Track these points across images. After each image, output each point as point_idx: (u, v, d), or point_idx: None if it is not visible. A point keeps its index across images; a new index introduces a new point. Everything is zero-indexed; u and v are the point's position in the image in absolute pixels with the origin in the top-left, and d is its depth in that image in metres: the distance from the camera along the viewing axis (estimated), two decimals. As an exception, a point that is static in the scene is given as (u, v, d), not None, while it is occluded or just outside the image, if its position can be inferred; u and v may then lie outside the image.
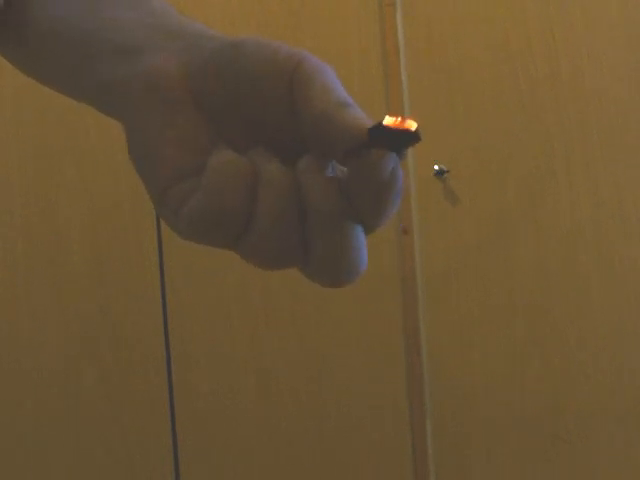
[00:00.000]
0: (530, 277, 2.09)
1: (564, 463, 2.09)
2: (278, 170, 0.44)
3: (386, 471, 2.12)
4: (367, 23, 2.13)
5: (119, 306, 2.13)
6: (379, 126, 0.42)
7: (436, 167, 2.10)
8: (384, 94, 2.12)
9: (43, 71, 0.54)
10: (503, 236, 2.10)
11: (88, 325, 2.13)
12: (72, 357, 2.13)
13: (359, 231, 0.45)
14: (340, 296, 2.12)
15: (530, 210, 2.09)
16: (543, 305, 2.09)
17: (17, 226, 2.14)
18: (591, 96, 2.08)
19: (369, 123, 0.43)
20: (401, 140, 0.42)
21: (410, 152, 2.11)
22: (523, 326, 2.09)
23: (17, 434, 2.13)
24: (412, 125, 0.42)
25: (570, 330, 2.08)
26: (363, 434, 2.12)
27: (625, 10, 2.08)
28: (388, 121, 0.42)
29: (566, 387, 2.08)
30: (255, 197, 0.44)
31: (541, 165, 2.09)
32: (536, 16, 2.09)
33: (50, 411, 2.13)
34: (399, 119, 0.42)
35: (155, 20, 0.50)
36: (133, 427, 2.13)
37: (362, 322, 2.12)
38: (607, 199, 2.08)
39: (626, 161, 2.08)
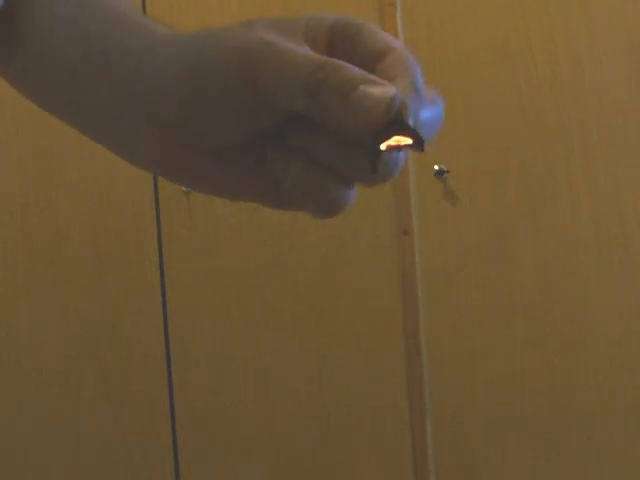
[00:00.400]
0: (530, 277, 2.09)
1: (564, 463, 2.09)
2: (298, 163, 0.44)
3: (386, 471, 2.12)
4: (367, 23, 2.12)
5: (119, 306, 2.13)
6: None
7: (436, 167, 2.10)
8: (384, 94, 2.12)
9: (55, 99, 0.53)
10: (503, 236, 2.10)
11: (88, 325, 2.13)
12: (72, 357, 2.13)
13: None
14: (340, 296, 2.12)
15: (530, 210, 2.09)
16: (543, 305, 2.08)
17: (17, 226, 2.14)
18: (591, 96, 2.08)
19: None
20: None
21: (410, 152, 2.11)
22: (523, 326, 2.09)
23: (17, 434, 2.13)
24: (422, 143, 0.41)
25: (570, 330, 2.08)
26: (363, 434, 2.12)
27: (625, 10, 2.08)
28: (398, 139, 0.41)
29: (566, 387, 2.08)
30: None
31: (541, 165, 2.09)
32: (536, 16, 2.09)
33: (50, 411, 2.13)
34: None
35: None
36: (133, 427, 2.13)
37: (362, 322, 2.12)
38: (607, 199, 2.08)
39: (626, 161, 2.08)
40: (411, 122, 0.41)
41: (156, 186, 2.14)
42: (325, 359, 2.12)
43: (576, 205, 2.09)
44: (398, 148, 0.41)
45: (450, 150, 2.11)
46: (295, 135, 0.44)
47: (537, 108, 2.09)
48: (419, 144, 0.41)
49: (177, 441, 2.13)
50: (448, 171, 2.10)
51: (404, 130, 0.40)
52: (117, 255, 2.13)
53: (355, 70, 0.41)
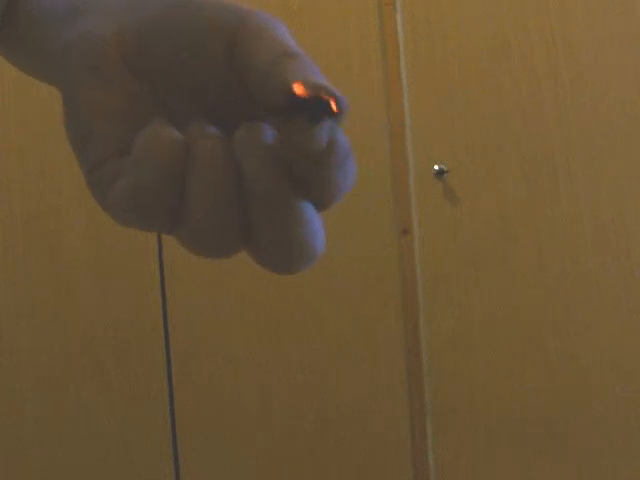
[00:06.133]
0: (530, 277, 2.09)
1: (564, 463, 2.09)
2: (212, 142, 0.39)
3: (386, 471, 2.12)
4: (367, 23, 2.13)
5: (119, 306, 2.13)
6: (292, 92, 0.37)
7: (436, 167, 2.10)
8: (384, 94, 2.12)
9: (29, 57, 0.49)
10: (503, 236, 2.10)
11: (88, 326, 2.13)
12: (72, 357, 2.13)
13: (308, 208, 0.39)
14: (340, 296, 2.12)
15: (530, 210, 2.09)
16: (543, 305, 2.09)
17: (17, 226, 2.14)
18: (591, 96, 2.08)
19: (317, 79, 0.38)
20: (317, 111, 0.37)
21: (410, 152, 2.11)
22: (523, 326, 2.09)
23: (17, 434, 2.13)
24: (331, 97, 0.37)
25: (570, 330, 2.08)
26: (363, 433, 2.12)
27: (625, 10, 2.08)
28: (299, 89, 0.37)
29: (566, 387, 2.08)
30: (188, 172, 0.38)
31: (541, 165, 2.09)
32: (536, 16, 2.09)
33: (50, 412, 2.13)
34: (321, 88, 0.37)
35: None
36: (133, 427, 2.13)
37: (362, 322, 2.12)
38: (607, 199, 2.08)
39: (626, 161, 2.08)
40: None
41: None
42: (325, 359, 2.12)
43: (576, 205, 2.09)
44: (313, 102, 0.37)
45: (450, 150, 2.11)
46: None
47: (537, 108, 2.09)
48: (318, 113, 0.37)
49: (177, 441, 2.13)
50: (448, 171, 2.10)
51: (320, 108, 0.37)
52: (117, 255, 2.13)
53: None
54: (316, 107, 0.37)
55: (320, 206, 0.40)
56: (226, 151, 0.39)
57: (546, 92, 2.09)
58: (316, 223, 0.40)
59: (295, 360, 2.13)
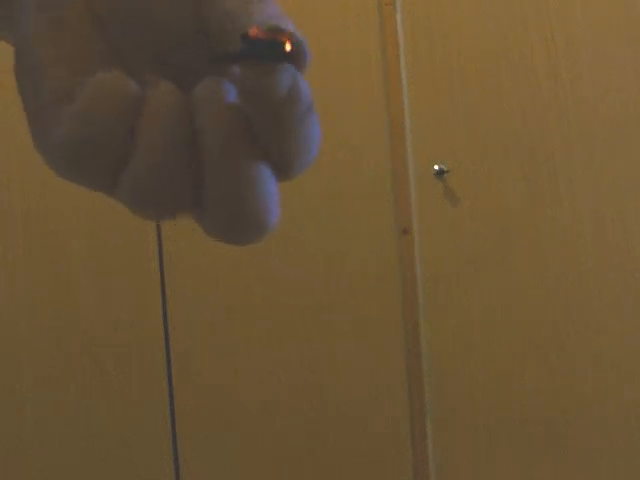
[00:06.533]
0: (530, 277, 2.09)
1: (564, 463, 2.09)
2: (166, 94, 0.36)
3: (386, 471, 2.12)
4: (367, 23, 2.13)
5: (119, 306, 2.13)
6: (247, 35, 0.36)
7: (436, 167, 2.10)
8: (384, 94, 2.12)
9: None
10: (503, 236, 2.10)
11: (88, 326, 2.13)
12: (72, 357, 2.13)
13: (266, 173, 0.36)
14: (340, 296, 2.12)
15: (530, 210, 2.09)
16: (543, 305, 2.09)
17: (17, 226, 2.14)
18: (591, 96, 2.08)
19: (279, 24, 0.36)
20: (272, 53, 0.36)
21: (410, 152, 2.11)
22: (523, 326, 2.09)
23: (16, 434, 2.13)
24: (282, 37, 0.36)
25: (570, 330, 2.08)
26: (363, 433, 2.12)
27: (625, 10, 2.08)
28: (256, 31, 0.36)
29: (566, 387, 2.08)
30: (136, 126, 0.36)
31: (541, 165, 2.09)
32: (536, 16, 2.09)
33: (50, 411, 2.13)
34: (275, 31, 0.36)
35: None
36: (133, 427, 2.13)
37: (362, 322, 2.12)
38: (607, 199, 2.08)
39: (626, 161, 2.08)
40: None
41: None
42: (325, 358, 2.12)
43: (576, 205, 2.09)
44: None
45: (450, 150, 2.11)
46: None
47: (537, 108, 2.09)
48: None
49: (177, 441, 2.13)
50: (448, 171, 2.10)
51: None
52: (117, 255, 2.13)
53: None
54: (272, 49, 0.35)
55: (279, 171, 0.37)
56: (181, 105, 0.36)
57: (546, 92, 2.09)
58: (271, 191, 0.36)
59: (295, 360, 2.13)
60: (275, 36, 0.36)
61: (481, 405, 2.10)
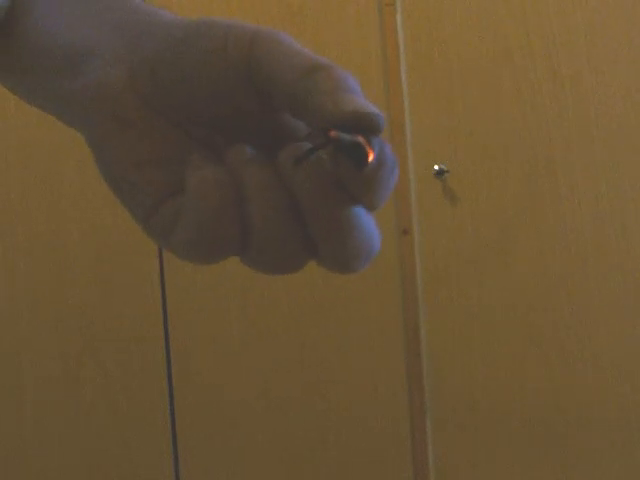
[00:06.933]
0: (530, 277, 2.09)
1: (564, 463, 2.09)
2: (257, 167, 0.40)
3: (386, 471, 2.12)
4: (367, 23, 2.13)
5: (119, 306, 2.13)
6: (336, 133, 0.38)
7: (436, 167, 2.10)
8: (384, 94, 2.12)
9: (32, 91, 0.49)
10: (503, 236, 2.10)
11: (88, 325, 2.13)
12: (72, 357, 2.13)
13: (361, 212, 0.41)
14: (340, 296, 2.12)
15: (530, 210, 2.09)
16: (543, 305, 2.09)
17: (17, 226, 2.14)
18: (591, 96, 2.08)
19: (347, 98, 0.38)
20: (354, 155, 0.39)
21: (410, 152, 2.11)
22: (523, 326, 2.09)
23: (17, 434, 2.13)
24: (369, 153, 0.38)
25: (570, 330, 2.08)
26: (363, 433, 2.12)
27: (625, 10, 2.08)
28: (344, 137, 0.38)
29: (566, 387, 2.08)
30: (245, 210, 0.39)
31: (541, 165, 2.09)
32: (536, 16, 2.10)
33: (49, 411, 2.13)
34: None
35: (111, 14, 0.44)
36: (133, 427, 2.13)
37: (362, 322, 2.12)
38: (607, 199, 2.08)
39: (626, 161, 2.08)
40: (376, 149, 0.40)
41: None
42: (325, 359, 2.12)
43: (576, 205, 2.09)
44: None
45: (450, 150, 2.11)
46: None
47: (537, 108, 2.09)
48: (360, 162, 0.39)
49: (177, 441, 2.13)
50: (448, 171, 2.10)
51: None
52: (117, 254, 2.13)
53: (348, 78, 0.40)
54: (355, 152, 0.38)
55: (372, 208, 0.42)
56: (273, 172, 0.40)
57: (546, 92, 2.09)
58: (370, 224, 0.41)
59: (295, 360, 2.13)
60: (358, 143, 0.38)
61: (481, 405, 2.10)
